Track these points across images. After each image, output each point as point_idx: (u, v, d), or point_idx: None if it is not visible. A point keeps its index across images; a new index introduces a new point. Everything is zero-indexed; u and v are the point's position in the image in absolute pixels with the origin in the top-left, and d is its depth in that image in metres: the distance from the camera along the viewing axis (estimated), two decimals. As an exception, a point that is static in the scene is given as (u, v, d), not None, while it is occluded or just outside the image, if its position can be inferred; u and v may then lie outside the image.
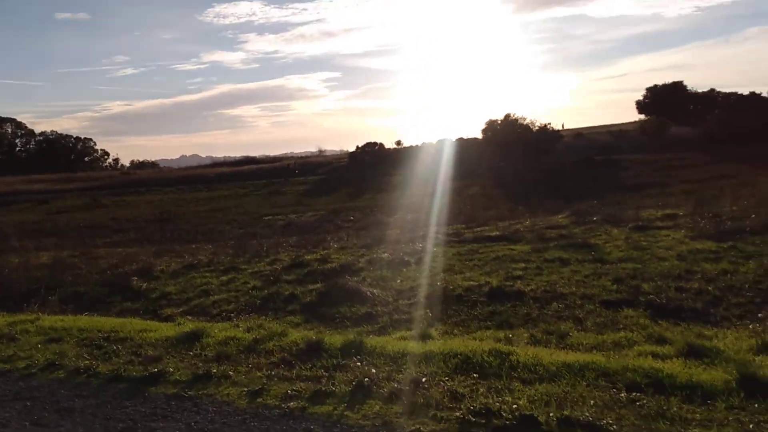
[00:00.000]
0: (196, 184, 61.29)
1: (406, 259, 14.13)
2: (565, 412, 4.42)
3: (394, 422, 4.39)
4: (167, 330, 8.15)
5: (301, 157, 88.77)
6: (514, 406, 4.54)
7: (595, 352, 6.83)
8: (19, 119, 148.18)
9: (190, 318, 11.30)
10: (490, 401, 4.66)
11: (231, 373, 5.67)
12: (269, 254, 17.08)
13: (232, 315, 10.56)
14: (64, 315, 10.14)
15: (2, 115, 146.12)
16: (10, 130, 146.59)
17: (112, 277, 15.39)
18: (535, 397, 4.80)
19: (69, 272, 16.57)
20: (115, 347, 6.93)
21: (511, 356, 5.92)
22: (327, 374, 5.53)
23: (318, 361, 6.02)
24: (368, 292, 11.23)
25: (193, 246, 22.69)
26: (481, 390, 4.97)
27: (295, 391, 5.11)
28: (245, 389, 5.22)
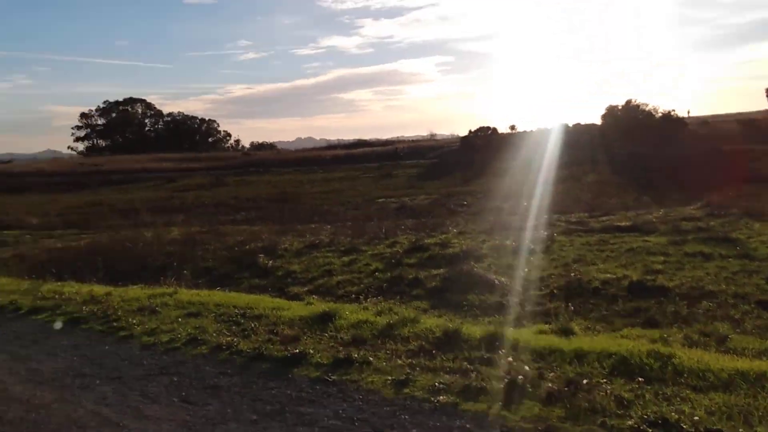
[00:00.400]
0: (312, 165, 62.76)
1: (531, 246, 13.58)
2: (758, 430, 3.87)
3: (558, 427, 4.02)
4: (299, 309, 8.14)
5: (413, 141, 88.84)
6: (695, 418, 4.03)
7: (764, 359, 6.10)
8: (149, 100, 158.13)
9: (315, 297, 11.42)
10: (664, 410, 4.17)
11: (371, 358, 5.49)
12: (388, 236, 17.01)
13: (359, 297, 10.49)
14: (198, 290, 10.44)
15: (134, 96, 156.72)
16: (140, 111, 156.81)
17: (239, 254, 15.90)
18: (713, 409, 4.26)
19: (199, 248, 17.32)
20: (252, 324, 6.97)
21: (673, 359, 5.35)
22: (472, 367, 5.22)
23: (459, 352, 5.73)
24: (496, 280, 10.82)
25: (312, 226, 23.13)
26: (648, 396, 4.49)
27: (442, 383, 4.84)
28: (389, 378, 5.02)
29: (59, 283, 10.46)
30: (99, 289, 9.67)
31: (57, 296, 8.85)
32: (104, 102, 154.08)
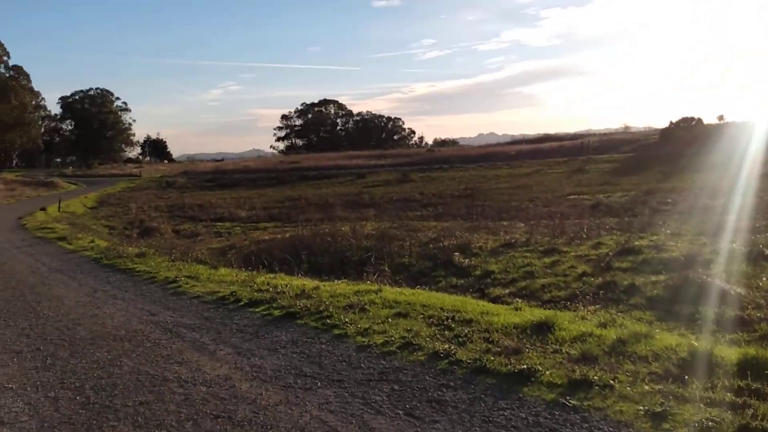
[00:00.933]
0: (496, 161, 61.65)
1: (766, 252, 11.76)
2: None
3: None
4: (510, 315, 7.56)
5: (603, 135, 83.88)
6: None
7: None
8: (340, 101, 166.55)
9: (519, 301, 10.78)
10: None
11: (611, 381, 4.77)
12: (590, 236, 15.83)
13: (567, 303, 9.67)
14: (399, 287, 10.28)
15: (327, 98, 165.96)
16: (332, 111, 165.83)
17: (433, 250, 15.71)
18: None
19: (393, 243, 17.45)
20: (464, 330, 6.54)
21: None
22: (741, 401, 4.31)
23: (716, 379, 4.80)
24: (731, 290, 9.40)
25: (504, 223, 22.42)
26: None
27: (710, 420, 4.01)
28: (640, 408, 4.28)
29: (271, 275, 10.87)
30: (308, 283, 9.87)
31: (271, 289, 9.12)
32: (301, 104, 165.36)
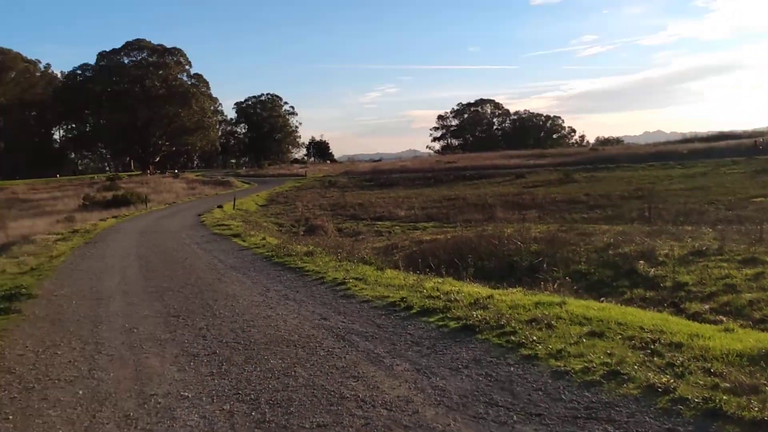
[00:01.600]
0: (667, 160, 56.94)
1: None
2: None
3: None
4: (726, 339, 6.32)
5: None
6: None
7: None
8: (496, 100, 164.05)
9: (724, 319, 9.31)
10: None
11: None
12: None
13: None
14: (581, 299, 9.25)
15: (484, 97, 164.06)
16: (489, 110, 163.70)
17: (613, 257, 14.34)
18: None
19: (565, 248, 16.24)
20: (677, 357, 5.48)
21: None
22: None
23: None
24: None
25: (687, 228, 20.24)
26: None
27: None
28: None
29: (439, 280, 10.30)
30: (480, 291, 9.17)
31: (442, 295, 8.54)
32: (458, 104, 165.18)
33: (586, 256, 14.91)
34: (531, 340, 6.18)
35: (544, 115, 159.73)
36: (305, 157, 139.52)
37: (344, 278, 10.32)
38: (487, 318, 7.06)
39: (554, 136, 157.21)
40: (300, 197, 53.22)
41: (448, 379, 5.25)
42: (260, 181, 77.34)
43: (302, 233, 28.80)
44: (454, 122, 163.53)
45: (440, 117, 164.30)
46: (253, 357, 6.07)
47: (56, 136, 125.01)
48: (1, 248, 20.17)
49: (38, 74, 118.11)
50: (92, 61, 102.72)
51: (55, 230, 27.40)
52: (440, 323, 7.13)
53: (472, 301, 8.11)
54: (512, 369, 5.46)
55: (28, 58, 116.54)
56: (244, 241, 17.21)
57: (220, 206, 37.80)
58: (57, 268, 13.50)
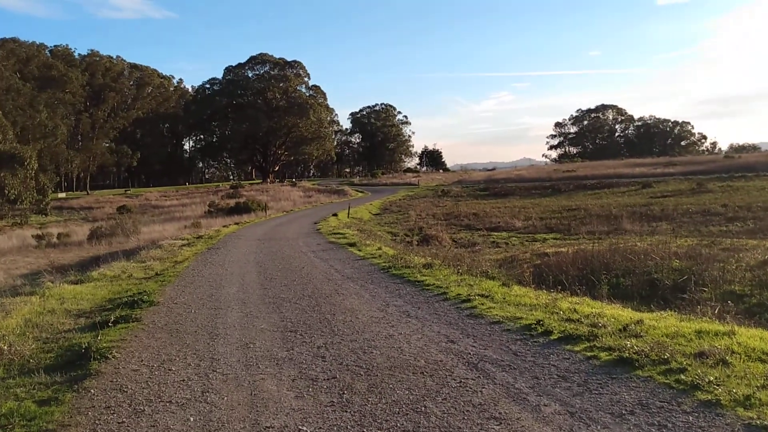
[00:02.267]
0: (820, 168, 51.54)
1: None
2: None
3: None
4: None
5: None
6: None
7: None
8: (619, 106, 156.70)
9: None
10: None
11: None
12: None
13: None
14: (748, 327, 7.88)
15: (605, 103, 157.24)
16: (611, 117, 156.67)
17: (775, 278, 12.56)
18: None
19: (710, 265, 14.53)
20: None
21: None
22: None
23: None
24: None
25: None
26: None
27: None
28: None
29: (575, 300, 9.26)
30: (624, 314, 8.06)
31: (582, 318, 7.53)
32: (577, 110, 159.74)
33: (741, 275, 13.18)
34: (706, 380, 5.10)
35: (672, 120, 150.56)
36: (418, 166, 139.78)
37: (468, 294, 9.51)
38: (645, 349, 6.01)
39: (683, 143, 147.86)
40: (413, 206, 52.88)
41: (612, 428, 4.33)
42: (373, 190, 78.02)
43: (416, 243, 28.23)
44: (573, 129, 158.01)
45: (558, 124, 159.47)
46: (376, 385, 5.41)
47: (186, 147, 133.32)
48: (131, 252, 21.13)
49: (172, 89, 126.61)
50: (220, 75, 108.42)
51: (182, 236, 28.56)
52: (588, 353, 6.15)
53: (621, 327, 7.05)
54: (691, 419, 4.43)
55: (163, 74, 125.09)
56: (359, 250, 16.81)
57: (335, 214, 38.13)
58: (180, 274, 13.66)
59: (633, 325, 7.16)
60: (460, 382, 5.42)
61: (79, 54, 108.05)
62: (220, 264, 15.23)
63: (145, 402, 5.11)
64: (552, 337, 6.84)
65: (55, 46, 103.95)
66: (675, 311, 9.24)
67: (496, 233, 32.44)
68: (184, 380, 5.70)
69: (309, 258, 15.70)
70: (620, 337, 6.60)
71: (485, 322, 7.74)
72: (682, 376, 5.27)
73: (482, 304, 8.76)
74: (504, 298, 9.23)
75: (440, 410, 4.76)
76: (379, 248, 16.85)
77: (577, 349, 6.34)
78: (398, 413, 4.72)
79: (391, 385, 5.37)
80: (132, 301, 9.82)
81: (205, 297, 10.54)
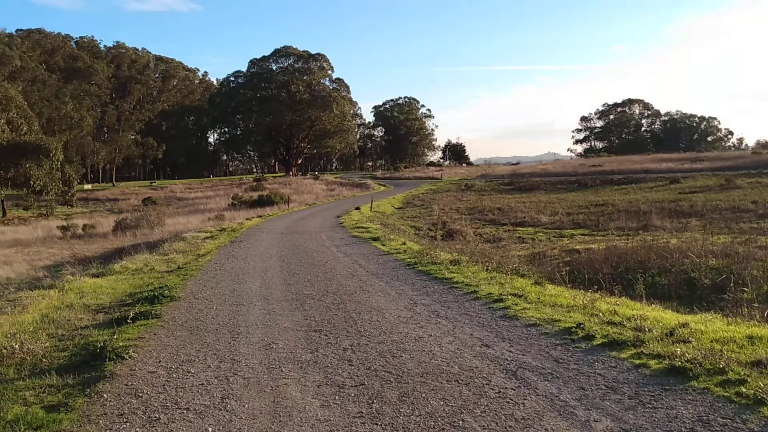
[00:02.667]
0: None
1: None
2: None
3: None
4: None
5: None
6: None
7: None
8: (645, 100, 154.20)
9: None
10: None
11: None
12: None
13: None
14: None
15: (632, 98, 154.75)
16: (637, 111, 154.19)
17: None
18: None
19: (750, 264, 13.89)
20: None
21: None
22: None
23: None
24: None
25: None
26: None
27: None
28: None
29: (613, 300, 8.78)
30: (669, 317, 7.57)
31: (624, 321, 7.07)
32: (603, 104, 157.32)
33: (785, 276, 12.54)
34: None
35: (698, 115, 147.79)
36: (441, 160, 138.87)
37: (500, 294, 9.07)
38: (697, 357, 5.54)
39: (709, 138, 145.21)
40: (436, 200, 52.34)
41: (672, 450, 3.89)
42: (396, 183, 77.53)
43: (440, 238, 27.77)
44: (599, 124, 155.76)
45: (583, 118, 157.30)
46: (408, 394, 5.01)
47: (211, 139, 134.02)
48: (155, 244, 20.98)
49: (197, 82, 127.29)
50: (244, 68, 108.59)
51: (205, 228, 28.43)
52: (636, 361, 5.69)
53: (667, 331, 6.58)
54: (761, 441, 3.98)
55: (188, 66, 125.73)
56: (384, 245, 16.42)
57: (357, 208, 37.78)
58: (202, 268, 13.40)
59: (679, 329, 6.69)
60: (499, 392, 5.00)
61: (105, 46, 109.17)
62: (243, 258, 14.95)
63: (161, 409, 4.76)
64: (595, 342, 6.38)
65: (80, 37, 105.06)
66: (719, 313, 8.72)
67: (521, 228, 31.83)
68: (203, 384, 5.36)
69: (332, 252, 15.36)
70: (668, 343, 6.14)
71: (521, 325, 7.30)
72: (743, 389, 4.80)
73: (516, 305, 8.32)
74: (538, 298, 8.78)
75: (480, 425, 4.34)
76: (404, 243, 16.45)
77: (623, 356, 5.88)
78: (434, 428, 4.32)
79: (424, 395, 4.97)
80: (153, 296, 9.52)
81: (227, 292, 10.23)
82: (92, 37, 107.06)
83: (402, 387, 5.17)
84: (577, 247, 20.33)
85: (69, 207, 60.45)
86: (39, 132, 61.18)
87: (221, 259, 14.94)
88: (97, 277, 12.43)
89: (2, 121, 54.16)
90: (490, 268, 11.73)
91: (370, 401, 4.85)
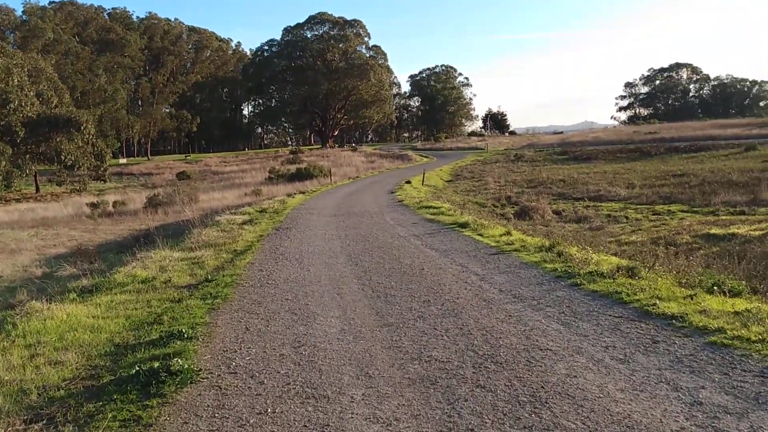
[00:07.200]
0: None
1: None
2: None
3: None
4: None
5: None
6: None
7: None
8: (694, 64, 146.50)
9: None
10: None
11: None
12: None
13: None
14: None
15: (680, 62, 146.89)
16: (684, 76, 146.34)
17: None
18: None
19: None
20: None
21: None
22: None
23: None
24: None
25: None
26: None
27: None
28: None
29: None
30: None
31: None
32: (648, 69, 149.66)
33: None
34: None
35: (750, 80, 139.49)
36: (482, 130, 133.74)
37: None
38: None
39: (761, 103, 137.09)
40: (487, 172, 48.41)
41: None
42: (438, 154, 73.41)
43: (512, 216, 24.06)
44: (644, 90, 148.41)
45: (628, 84, 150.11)
46: None
47: (245, 112, 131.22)
48: (184, 228, 17.44)
49: (230, 52, 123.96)
50: (278, 37, 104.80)
51: (242, 205, 25.19)
52: None
53: None
54: None
55: (221, 37, 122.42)
56: (481, 235, 12.48)
57: (408, 182, 34.23)
58: (239, 279, 9.40)
59: None
60: None
61: (137, 17, 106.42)
62: (297, 259, 11.07)
63: None
64: None
65: (113, 8, 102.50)
66: None
67: (605, 204, 27.77)
68: None
69: (419, 249, 11.48)
70: None
71: None
72: None
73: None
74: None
75: None
76: (508, 233, 12.50)
77: None
78: None
79: None
80: (151, 370, 5.06)
81: (287, 344, 6.02)
82: (125, 8, 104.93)
83: None
84: (715, 231, 16.39)
85: (102, 182, 58.12)
86: (70, 104, 58.72)
87: (266, 260, 11.02)
88: (84, 298, 8.62)
89: (32, 93, 51.69)
90: (683, 280, 7.88)
91: None
